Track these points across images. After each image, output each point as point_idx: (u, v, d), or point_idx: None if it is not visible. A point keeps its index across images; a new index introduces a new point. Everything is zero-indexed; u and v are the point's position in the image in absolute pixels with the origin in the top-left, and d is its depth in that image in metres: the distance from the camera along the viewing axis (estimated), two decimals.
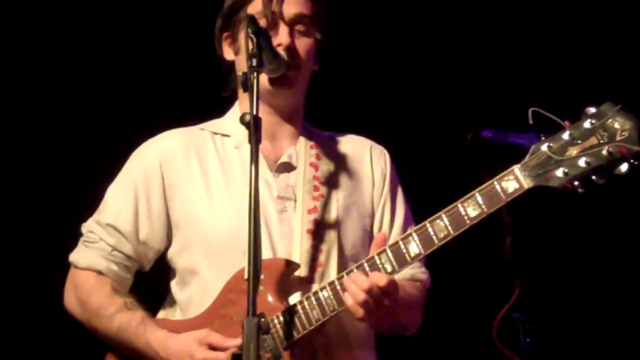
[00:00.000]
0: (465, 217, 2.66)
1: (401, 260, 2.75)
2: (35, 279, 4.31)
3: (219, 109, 3.22)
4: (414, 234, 2.74)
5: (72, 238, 3.13)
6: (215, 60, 3.17)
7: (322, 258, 2.95)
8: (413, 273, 3.05)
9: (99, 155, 4.11)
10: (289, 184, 3.04)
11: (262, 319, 2.68)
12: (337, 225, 3.01)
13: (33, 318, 4.38)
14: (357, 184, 3.12)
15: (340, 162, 3.13)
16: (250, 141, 2.56)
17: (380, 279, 2.69)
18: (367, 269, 2.76)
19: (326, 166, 3.09)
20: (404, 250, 2.74)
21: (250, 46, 2.66)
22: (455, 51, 4.91)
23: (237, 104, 3.17)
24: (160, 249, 3.08)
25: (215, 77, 3.20)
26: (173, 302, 3.10)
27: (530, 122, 2.54)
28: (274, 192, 3.02)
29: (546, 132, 2.59)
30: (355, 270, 2.77)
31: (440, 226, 2.69)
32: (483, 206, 2.65)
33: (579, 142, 2.56)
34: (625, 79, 4.53)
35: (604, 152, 2.53)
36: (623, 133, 2.52)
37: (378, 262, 2.76)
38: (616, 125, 2.53)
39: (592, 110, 2.57)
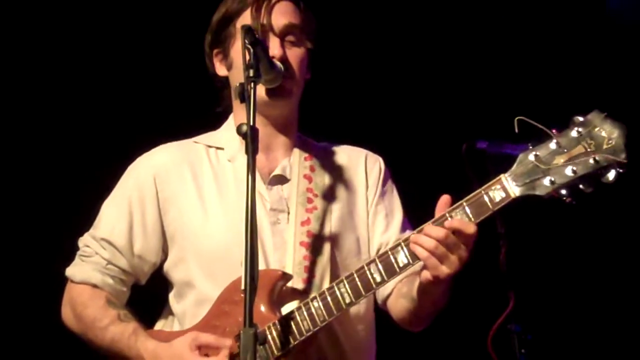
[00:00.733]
0: (447, 224, 2.65)
1: (390, 271, 2.75)
2: (35, 294, 4.32)
3: (212, 122, 3.23)
4: (402, 244, 2.74)
5: (71, 252, 3.15)
6: (207, 74, 3.18)
7: (315, 269, 2.96)
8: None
9: (97, 169, 4.12)
10: (282, 197, 3.05)
11: (258, 330, 2.70)
12: (330, 237, 3.02)
13: (33, 332, 4.40)
14: (351, 194, 3.13)
15: (335, 174, 3.14)
16: (247, 152, 2.56)
17: (459, 222, 2.63)
18: (356, 279, 2.77)
19: (320, 178, 3.10)
20: (393, 261, 2.74)
21: (247, 57, 2.67)
22: (450, 61, 4.92)
23: (231, 116, 3.17)
24: (156, 262, 3.10)
25: (209, 91, 3.22)
26: (170, 314, 3.12)
27: (516, 130, 2.54)
28: (267, 204, 3.03)
29: (533, 141, 2.59)
30: (345, 281, 2.78)
31: (413, 245, 2.69)
32: (471, 216, 2.65)
33: (566, 150, 2.56)
34: (612, 88, 4.53)
35: (591, 160, 2.53)
36: (609, 142, 2.52)
37: (368, 272, 2.76)
38: (603, 134, 2.53)
39: (579, 119, 2.57)
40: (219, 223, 3.00)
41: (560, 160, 2.57)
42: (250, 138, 2.57)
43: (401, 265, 2.73)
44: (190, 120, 3.33)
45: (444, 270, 2.65)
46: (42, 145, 4.54)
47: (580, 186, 2.56)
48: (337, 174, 3.15)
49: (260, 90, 2.90)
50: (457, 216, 2.66)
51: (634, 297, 4.85)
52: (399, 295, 3.01)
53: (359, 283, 2.77)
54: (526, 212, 3.89)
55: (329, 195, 3.09)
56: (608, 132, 2.53)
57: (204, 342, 2.84)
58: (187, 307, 3.04)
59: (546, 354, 3.62)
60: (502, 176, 2.64)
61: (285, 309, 2.88)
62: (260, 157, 3.01)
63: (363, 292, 2.78)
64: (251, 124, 2.58)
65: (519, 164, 2.61)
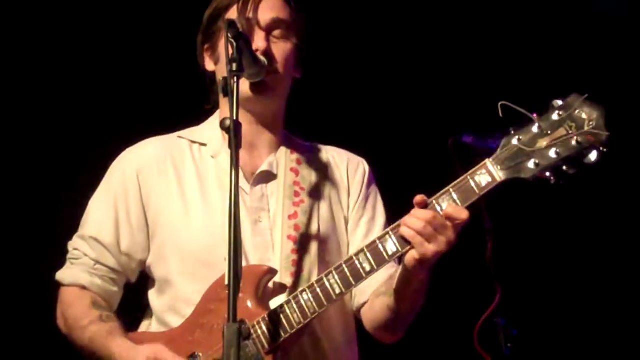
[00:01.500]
0: (441, 213, 2.68)
1: (380, 259, 2.75)
2: (29, 300, 4.31)
3: (198, 116, 3.23)
4: (391, 232, 2.74)
5: (63, 255, 3.16)
6: (196, 69, 3.18)
7: (302, 263, 2.97)
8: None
9: (87, 172, 4.12)
10: (265, 194, 3.05)
11: (243, 325, 2.69)
12: (317, 231, 3.03)
13: (31, 338, 4.40)
14: (335, 193, 3.14)
15: (320, 170, 3.15)
16: (230, 146, 2.56)
17: (452, 209, 2.66)
18: (346, 270, 2.77)
19: (306, 172, 3.10)
20: (382, 249, 2.74)
21: (230, 51, 2.67)
22: (435, 56, 4.95)
23: (218, 112, 3.17)
24: (143, 259, 3.09)
25: (194, 86, 3.21)
26: (151, 313, 3.11)
27: (500, 115, 2.55)
28: (248, 202, 3.02)
29: (516, 125, 2.62)
30: (334, 272, 2.77)
31: (403, 228, 2.70)
32: (458, 201, 2.67)
33: (548, 133, 2.59)
34: (593, 74, 4.57)
35: (573, 142, 2.57)
36: (590, 122, 2.56)
37: (357, 262, 2.76)
38: (583, 116, 2.57)
39: (559, 102, 2.61)
40: (200, 220, 2.99)
41: (543, 143, 2.60)
42: (234, 132, 2.56)
43: (390, 253, 2.74)
44: (175, 115, 3.33)
45: (431, 248, 2.66)
46: (29, 144, 4.54)
47: (564, 167, 2.59)
48: (322, 171, 3.16)
49: (244, 85, 2.91)
50: (444, 203, 2.67)
51: (620, 291, 4.87)
52: (376, 296, 3.00)
53: (348, 273, 2.77)
54: (512, 205, 3.92)
55: (315, 191, 3.09)
56: (588, 114, 2.57)
57: (160, 358, 2.82)
58: (167, 303, 3.03)
59: (532, 348, 3.63)
60: (487, 161, 2.67)
61: (274, 304, 2.88)
62: (243, 155, 2.99)
63: (353, 282, 2.78)
64: (234, 117, 2.58)
65: (503, 148, 2.65)
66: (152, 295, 3.09)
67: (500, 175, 2.65)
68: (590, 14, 4.85)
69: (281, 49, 3.02)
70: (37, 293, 3.55)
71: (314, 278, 2.91)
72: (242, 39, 2.73)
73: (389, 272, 2.95)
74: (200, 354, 2.85)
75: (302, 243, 2.99)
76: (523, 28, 4.91)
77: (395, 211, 3.17)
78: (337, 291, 2.78)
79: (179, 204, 3.02)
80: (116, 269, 3.08)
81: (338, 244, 3.09)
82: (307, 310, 2.79)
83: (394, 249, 2.74)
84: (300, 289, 2.83)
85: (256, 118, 3.08)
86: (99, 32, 4.57)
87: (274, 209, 3.03)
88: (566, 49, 4.82)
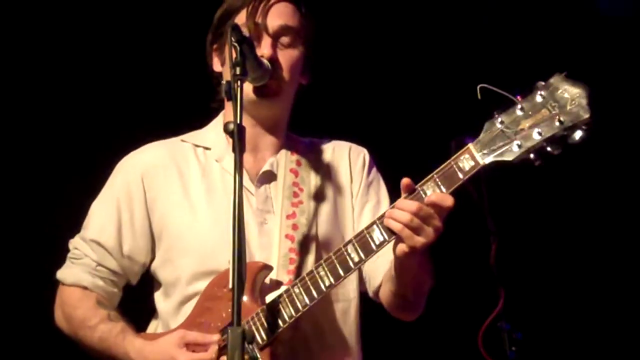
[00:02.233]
0: (426, 200, 2.66)
1: (367, 249, 2.74)
2: (27, 297, 4.33)
3: (200, 120, 3.24)
4: (377, 222, 2.73)
5: (63, 255, 3.16)
6: (200, 71, 3.20)
7: (300, 262, 2.97)
8: None
9: (87, 171, 4.12)
10: (269, 196, 3.06)
11: (246, 328, 2.70)
12: (316, 230, 3.03)
13: (27, 335, 4.39)
14: (337, 190, 3.14)
15: (320, 168, 3.15)
16: (234, 150, 2.56)
17: (437, 196, 2.63)
18: (335, 261, 2.76)
19: (306, 172, 3.11)
20: (369, 239, 2.73)
21: (234, 55, 2.68)
22: (439, 57, 4.94)
23: (221, 114, 3.19)
24: (146, 262, 3.10)
25: (201, 89, 3.21)
26: (157, 316, 3.12)
27: (479, 97, 2.54)
28: (254, 204, 3.03)
29: (498, 108, 2.60)
30: (323, 264, 2.77)
31: (388, 219, 2.68)
32: (442, 187, 2.66)
33: (531, 114, 2.57)
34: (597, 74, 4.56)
35: (556, 122, 2.54)
36: (573, 102, 2.53)
37: (345, 252, 2.75)
38: (566, 95, 2.54)
39: (542, 83, 2.59)
40: (206, 223, 3.00)
41: (526, 124, 2.58)
42: (238, 136, 2.57)
43: (377, 242, 2.73)
44: (178, 118, 3.34)
45: (419, 240, 2.64)
46: (31, 144, 4.55)
47: (548, 148, 2.56)
48: (323, 169, 3.16)
49: (248, 88, 2.93)
50: (429, 190, 2.66)
51: (624, 295, 4.85)
52: (385, 281, 2.99)
53: (337, 264, 2.77)
54: (516, 208, 3.91)
55: (315, 190, 3.10)
56: (571, 93, 2.54)
57: (191, 340, 2.84)
58: (173, 306, 3.04)
59: (536, 352, 3.62)
60: (470, 145, 2.65)
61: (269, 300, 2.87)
62: (247, 157, 3.04)
63: (342, 273, 2.77)
64: (238, 121, 2.58)
65: (485, 132, 2.63)
66: (158, 298, 3.10)
67: (483, 158, 2.62)
68: (594, 15, 4.84)
69: (287, 56, 3.03)
70: (36, 291, 3.56)
71: None
72: (246, 43, 2.74)
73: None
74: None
75: (301, 242, 2.99)
76: (527, 27, 4.89)
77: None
78: (327, 283, 2.78)
79: (185, 208, 3.04)
80: (117, 271, 3.09)
81: (340, 238, 3.05)
82: (298, 303, 2.79)
83: (381, 239, 2.72)
84: (292, 284, 2.83)
85: (259, 121, 3.09)
86: (104, 34, 4.60)
87: (276, 210, 3.03)
88: (572, 49, 4.80)
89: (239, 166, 2.55)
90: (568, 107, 2.53)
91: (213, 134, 3.14)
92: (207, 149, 3.13)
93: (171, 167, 3.09)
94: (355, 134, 3.30)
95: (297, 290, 2.80)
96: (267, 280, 2.90)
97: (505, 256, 3.24)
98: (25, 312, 4.35)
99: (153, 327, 3.13)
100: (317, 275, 2.79)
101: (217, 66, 3.15)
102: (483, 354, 3.12)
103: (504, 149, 2.59)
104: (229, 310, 2.47)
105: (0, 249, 4.46)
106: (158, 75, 4.59)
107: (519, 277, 4.00)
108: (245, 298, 2.82)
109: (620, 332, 4.81)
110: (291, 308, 2.79)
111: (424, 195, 2.66)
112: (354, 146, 3.23)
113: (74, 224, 3.19)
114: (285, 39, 3.04)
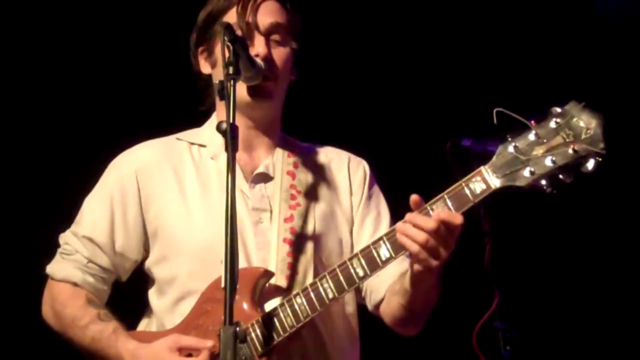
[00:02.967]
0: (434, 216, 2.62)
1: (373, 265, 2.72)
2: (14, 291, 4.31)
3: (196, 119, 3.22)
4: (384, 237, 2.72)
5: (51, 248, 3.13)
6: (191, 72, 3.17)
7: (298, 266, 2.95)
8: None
9: (77, 165, 4.11)
10: (265, 195, 3.04)
11: (238, 328, 2.69)
12: (313, 233, 3.01)
13: (13, 330, 4.38)
14: (334, 194, 3.12)
15: (318, 172, 3.13)
16: (226, 149, 2.56)
17: (446, 214, 2.60)
18: (339, 274, 2.76)
19: (303, 175, 3.09)
20: (375, 255, 2.72)
21: (227, 54, 2.66)
22: (434, 59, 4.94)
23: (214, 114, 3.17)
24: (137, 259, 3.08)
25: (192, 89, 3.20)
26: (150, 313, 3.10)
27: (495, 122, 2.53)
28: (249, 203, 3.02)
29: (512, 132, 2.58)
30: (327, 276, 2.76)
31: (403, 237, 2.66)
32: (452, 208, 2.63)
33: (545, 141, 2.54)
34: (591, 80, 4.57)
35: (570, 150, 2.52)
36: (588, 131, 2.50)
37: (350, 267, 2.74)
38: (581, 124, 2.52)
39: (557, 109, 2.56)
40: (201, 221, 2.98)
41: (539, 151, 2.55)
42: (230, 135, 2.55)
43: (383, 259, 2.71)
44: (174, 117, 3.33)
45: (433, 262, 2.62)
46: (24, 140, 4.52)
47: (560, 176, 2.54)
48: (320, 173, 3.14)
49: (242, 89, 2.91)
50: (438, 209, 2.64)
51: (619, 293, 4.86)
52: (392, 294, 2.97)
53: (341, 278, 2.76)
54: (510, 209, 3.91)
55: (312, 193, 3.08)
56: (586, 122, 2.52)
57: (184, 345, 2.82)
58: (167, 304, 3.02)
59: (531, 352, 3.62)
60: (482, 168, 2.63)
61: (269, 306, 2.87)
62: (242, 156, 3.04)
63: (346, 287, 2.76)
64: (231, 121, 2.57)
65: (498, 156, 2.60)
66: (152, 296, 3.08)
67: (495, 183, 2.60)
68: (593, 20, 4.84)
69: (280, 54, 3.02)
70: (24, 285, 3.54)
71: (309, 280, 2.90)
72: (239, 42, 2.71)
73: (401, 267, 2.92)
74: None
75: (298, 246, 2.97)
76: (524, 31, 4.90)
77: (394, 213, 3.18)
78: (330, 296, 2.77)
79: (180, 205, 3.02)
80: (108, 268, 3.07)
81: (339, 246, 3.07)
82: (300, 314, 2.78)
83: (387, 255, 2.71)
84: (294, 293, 2.82)
85: (254, 121, 3.07)
86: (97, 34, 4.58)
87: (273, 210, 3.02)
88: (567, 54, 4.81)
89: (231, 166, 2.54)
90: (583, 136, 2.50)
91: (209, 132, 3.12)
92: (202, 146, 3.11)
93: (166, 165, 3.06)
94: (350, 139, 3.29)
95: (299, 301, 2.79)
96: (266, 285, 2.89)
97: (500, 256, 3.25)
98: (13, 306, 4.33)
99: (144, 324, 3.11)
100: (320, 287, 2.78)
101: (204, 68, 3.12)
102: (478, 354, 3.12)
103: (516, 174, 2.57)
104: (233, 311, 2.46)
105: None
106: (153, 74, 4.55)
107: (514, 276, 4.00)
108: (245, 305, 2.82)
109: (616, 331, 4.83)
110: (292, 318, 2.78)
111: (431, 212, 2.63)
112: (353, 156, 3.22)
113: (66, 219, 3.14)
114: (276, 37, 3.02)
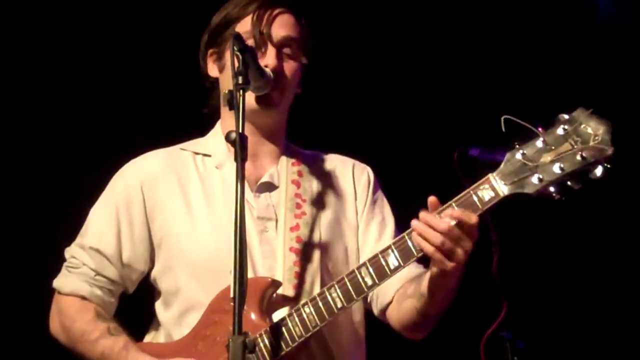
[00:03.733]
0: (449, 213, 2.63)
1: (382, 274, 2.73)
2: (21, 304, 4.30)
3: (199, 129, 3.22)
4: (393, 246, 2.73)
5: (56, 261, 3.13)
6: (196, 78, 3.18)
7: (305, 275, 2.96)
8: (420, 271, 3.00)
9: (80, 178, 4.12)
10: (270, 204, 3.05)
11: (247, 338, 2.68)
12: (319, 242, 3.02)
13: (20, 343, 4.36)
14: (339, 201, 3.13)
15: (322, 180, 3.14)
16: (236, 159, 2.56)
17: (460, 212, 2.61)
18: (348, 284, 2.75)
19: (308, 183, 3.10)
20: (384, 263, 2.73)
21: (237, 64, 2.67)
22: (441, 67, 4.95)
23: (219, 123, 3.18)
24: (144, 270, 3.09)
25: (196, 98, 3.21)
26: (158, 325, 3.10)
27: (503, 129, 2.53)
28: (254, 212, 3.02)
29: (520, 139, 2.58)
30: (336, 285, 2.76)
31: (419, 238, 2.67)
32: None
33: (553, 148, 2.55)
34: (599, 87, 4.56)
35: (578, 157, 2.53)
36: (596, 137, 2.52)
37: (358, 275, 2.75)
38: (589, 130, 2.53)
39: (565, 116, 2.57)
40: (207, 231, 2.99)
41: (547, 157, 2.56)
42: (240, 145, 2.56)
43: (392, 267, 2.72)
44: (177, 127, 3.34)
45: (450, 264, 2.62)
46: (28, 151, 4.53)
47: (569, 183, 2.55)
48: (325, 180, 3.15)
49: (250, 97, 2.91)
50: (446, 217, 2.63)
51: (627, 304, 4.85)
52: (404, 298, 2.97)
53: (350, 287, 2.76)
54: (519, 218, 3.90)
55: (318, 202, 3.09)
56: (594, 129, 2.53)
57: None
58: (174, 315, 3.02)
59: None
60: (490, 175, 2.64)
61: (277, 316, 2.88)
62: (247, 165, 2.98)
63: (355, 296, 2.77)
64: (240, 131, 2.58)
65: (506, 163, 2.61)
66: (159, 307, 3.08)
67: (503, 190, 2.61)
68: (596, 26, 4.85)
69: (291, 67, 3.04)
70: (31, 298, 3.54)
71: (317, 289, 2.91)
72: (249, 52, 2.73)
73: (408, 272, 2.92)
74: None
75: (305, 255, 2.98)
76: (530, 39, 4.90)
77: (399, 220, 3.18)
78: (339, 305, 2.77)
79: (185, 215, 3.02)
80: (116, 280, 3.07)
81: (345, 253, 3.07)
82: (308, 323, 2.79)
83: (396, 264, 2.72)
84: (302, 302, 2.83)
85: (259, 130, 3.09)
86: (103, 41, 4.58)
87: (278, 219, 3.02)
88: (571, 60, 4.81)
89: (241, 176, 2.54)
90: (591, 143, 2.52)
91: (213, 142, 3.13)
92: (206, 155, 3.12)
93: (171, 175, 3.07)
94: (357, 147, 3.29)
95: (307, 310, 2.79)
96: (273, 295, 2.89)
97: (508, 265, 3.23)
98: (20, 320, 4.32)
99: (151, 336, 3.11)
100: (329, 297, 2.79)
101: (212, 71, 3.13)
102: None
103: (524, 181, 2.58)
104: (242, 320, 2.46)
105: None
106: (158, 83, 4.56)
107: (522, 286, 3.98)
108: (253, 316, 2.82)
109: (622, 341, 4.81)
110: (301, 327, 2.79)
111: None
112: (357, 163, 3.23)
113: (71, 232, 3.15)
114: (288, 50, 3.04)
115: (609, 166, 2.50)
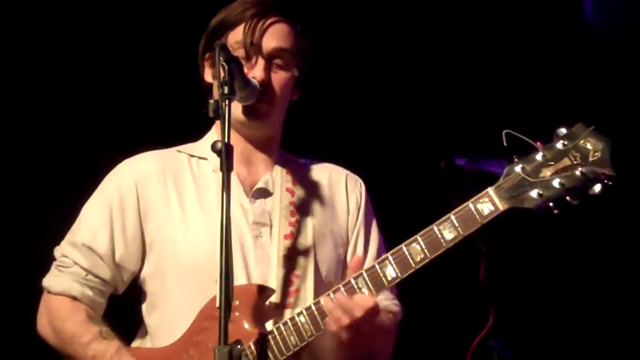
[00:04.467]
0: (442, 240, 2.65)
1: (378, 284, 2.72)
2: (8, 304, 4.27)
3: (196, 131, 3.21)
4: (390, 257, 2.71)
5: (45, 261, 3.09)
6: (196, 79, 3.17)
7: (298, 283, 2.95)
8: (386, 305, 3.03)
9: (71, 177, 4.09)
10: (265, 210, 3.04)
11: (239, 346, 2.68)
12: (313, 250, 3.01)
13: (6, 343, 4.33)
14: (332, 211, 3.13)
15: (316, 189, 3.14)
16: (221, 169, 2.56)
17: (365, 301, 2.66)
18: (344, 293, 2.74)
19: (302, 192, 3.10)
20: (381, 274, 2.72)
21: (222, 74, 2.66)
22: (429, 78, 4.95)
23: (215, 127, 3.17)
24: (135, 270, 3.06)
25: (194, 99, 3.20)
26: (145, 330, 3.07)
27: (504, 144, 2.54)
28: (249, 217, 3.01)
29: (519, 154, 2.59)
30: (332, 295, 2.75)
31: (417, 249, 2.67)
32: (459, 229, 2.64)
33: (552, 163, 2.56)
34: (597, 101, 4.59)
35: (578, 173, 2.54)
36: (595, 154, 2.53)
37: (355, 286, 2.73)
38: (588, 146, 2.54)
39: (564, 131, 2.58)
40: (199, 234, 2.97)
41: (547, 172, 2.57)
42: (225, 155, 2.56)
43: (389, 278, 2.71)
44: (174, 129, 3.32)
45: (345, 336, 2.69)
46: (19, 150, 4.49)
47: (567, 198, 2.56)
48: (318, 190, 3.15)
49: (237, 108, 2.91)
50: (444, 230, 2.65)
51: (614, 312, 4.88)
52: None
53: None
54: (505, 227, 3.92)
55: (311, 211, 3.08)
56: (593, 145, 2.54)
57: None
58: (161, 320, 3.00)
59: None
60: (489, 189, 2.63)
61: (270, 324, 2.86)
62: (242, 170, 3.05)
63: None
64: (226, 141, 2.58)
65: (505, 177, 2.61)
66: (145, 310, 3.06)
67: (502, 204, 2.61)
68: (591, 41, 4.88)
69: (280, 79, 3.01)
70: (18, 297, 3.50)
71: (309, 298, 2.90)
72: (234, 62, 2.72)
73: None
74: None
75: (298, 263, 2.98)
76: (524, 51, 4.92)
77: (388, 229, 3.19)
78: None
79: (178, 217, 3.00)
80: (107, 280, 3.03)
81: (336, 263, 3.07)
82: (303, 332, 2.77)
83: (394, 275, 2.71)
84: (297, 311, 2.81)
85: (250, 139, 3.08)
86: (100, 41, 4.57)
87: (272, 226, 3.02)
88: (561, 73, 4.84)
89: (226, 186, 2.54)
90: (590, 159, 2.53)
91: (209, 145, 3.14)
92: (202, 159, 3.10)
93: (166, 176, 3.05)
94: (346, 156, 3.30)
95: (302, 319, 2.78)
96: (266, 303, 2.88)
97: (495, 274, 3.25)
98: (5, 319, 4.30)
99: (138, 342, 3.08)
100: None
101: (207, 76, 3.12)
102: None
103: (523, 196, 2.58)
104: (228, 330, 2.45)
105: None
106: (155, 84, 4.54)
107: (509, 295, 4.00)
108: (246, 324, 2.80)
109: (612, 350, 4.82)
110: (296, 336, 2.77)
111: (439, 235, 2.65)
112: (350, 174, 3.23)
113: (59, 231, 3.12)
114: (279, 61, 3.02)
115: (609, 183, 2.51)
